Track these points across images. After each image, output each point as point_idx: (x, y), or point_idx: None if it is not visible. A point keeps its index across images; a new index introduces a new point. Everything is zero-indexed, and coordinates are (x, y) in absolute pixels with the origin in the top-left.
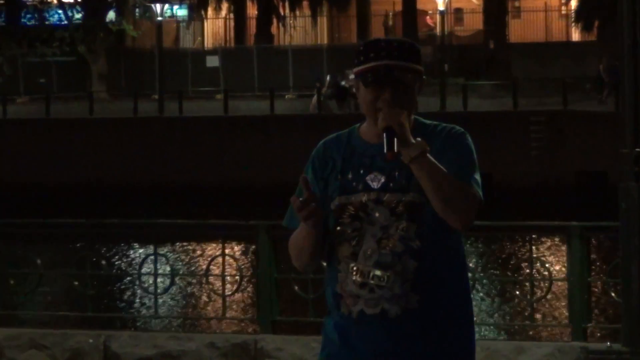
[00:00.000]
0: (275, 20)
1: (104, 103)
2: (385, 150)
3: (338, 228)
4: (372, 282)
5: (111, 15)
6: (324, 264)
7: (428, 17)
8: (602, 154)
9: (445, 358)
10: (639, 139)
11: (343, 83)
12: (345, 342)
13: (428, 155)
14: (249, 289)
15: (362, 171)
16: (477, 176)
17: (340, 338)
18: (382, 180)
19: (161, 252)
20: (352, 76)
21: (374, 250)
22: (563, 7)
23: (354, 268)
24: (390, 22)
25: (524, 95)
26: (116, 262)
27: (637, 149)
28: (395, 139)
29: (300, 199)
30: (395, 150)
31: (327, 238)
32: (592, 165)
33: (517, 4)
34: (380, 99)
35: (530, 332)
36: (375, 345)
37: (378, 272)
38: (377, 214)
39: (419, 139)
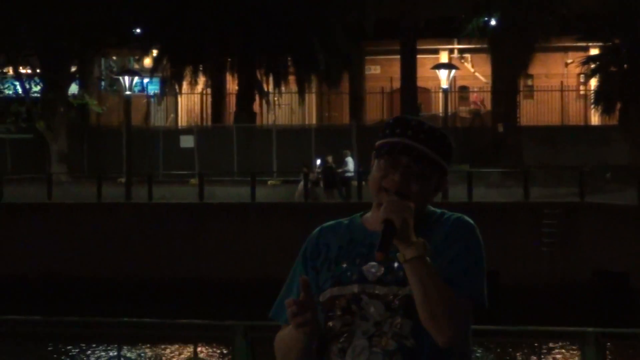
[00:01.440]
0: (257, 97)
1: (64, 186)
2: (376, 248)
3: (329, 323)
4: None
5: (73, 88)
6: None
7: (475, 95)
8: (623, 253)
9: None
10: None
11: (330, 163)
12: None
13: (427, 258)
14: None
15: (358, 261)
16: (482, 279)
17: None
18: (380, 271)
19: (126, 355)
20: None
21: (364, 348)
22: (581, 87)
23: None
24: (420, 103)
25: (536, 185)
26: None
27: None
28: (394, 235)
29: (296, 302)
30: (387, 252)
31: (318, 335)
32: (612, 264)
33: (529, 82)
34: (387, 179)
35: None
36: None
37: None
38: (372, 309)
39: (421, 239)
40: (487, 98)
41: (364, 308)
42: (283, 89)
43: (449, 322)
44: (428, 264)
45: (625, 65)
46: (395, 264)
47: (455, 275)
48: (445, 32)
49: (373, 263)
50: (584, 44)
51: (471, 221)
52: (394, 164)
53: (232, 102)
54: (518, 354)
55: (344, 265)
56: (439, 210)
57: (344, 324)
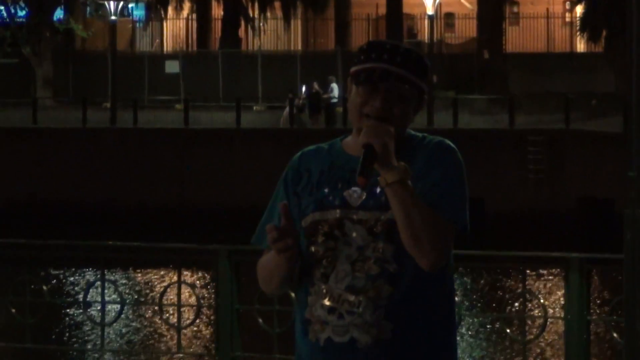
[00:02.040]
0: (243, 23)
1: (49, 111)
2: (357, 173)
3: (311, 248)
4: (342, 307)
5: (59, 13)
6: (293, 294)
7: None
8: (608, 179)
9: None
10: None
11: (316, 88)
12: None
13: (408, 182)
14: (207, 320)
15: (340, 185)
16: (465, 202)
17: None
18: (362, 196)
19: (110, 278)
20: (333, 84)
21: (347, 273)
22: (567, 14)
23: (324, 291)
24: (417, 28)
25: (521, 112)
26: (60, 289)
27: None
28: (374, 160)
29: (277, 228)
30: (369, 176)
31: (299, 260)
32: (597, 191)
33: (515, 9)
34: (368, 105)
35: None
36: None
37: (349, 297)
38: (354, 234)
39: (401, 163)
40: (473, 25)
41: (346, 233)
42: (268, 14)
43: (432, 246)
44: (410, 187)
45: None
46: (378, 189)
47: (437, 199)
48: None
49: (355, 188)
50: None
51: (452, 145)
52: (373, 90)
53: (217, 28)
54: (505, 280)
55: (326, 190)
56: (420, 134)
57: (327, 248)
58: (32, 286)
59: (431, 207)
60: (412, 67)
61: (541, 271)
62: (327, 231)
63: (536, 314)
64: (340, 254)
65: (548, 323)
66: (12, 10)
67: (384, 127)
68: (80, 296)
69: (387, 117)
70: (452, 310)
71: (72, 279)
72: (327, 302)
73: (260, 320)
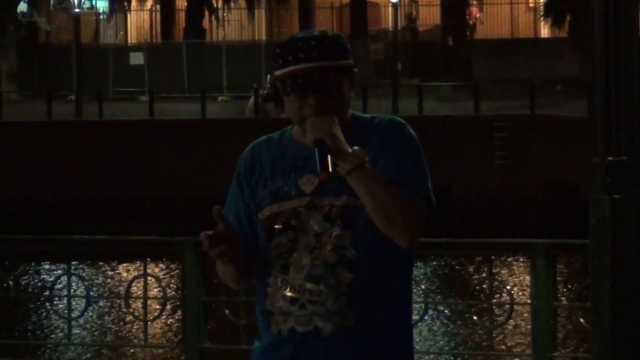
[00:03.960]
0: (207, 14)
1: (14, 104)
2: (318, 170)
3: (272, 241)
4: (303, 296)
5: (22, 6)
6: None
7: (475, 9)
8: (574, 165)
9: None
10: (611, 146)
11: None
12: None
13: (366, 165)
14: (174, 312)
15: (293, 175)
16: (426, 175)
17: None
18: (316, 183)
19: (75, 272)
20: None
21: (306, 262)
22: (531, 0)
23: (284, 281)
24: (414, 13)
25: (486, 98)
26: (25, 282)
27: (610, 158)
28: (328, 154)
29: (209, 234)
30: (330, 168)
31: (257, 252)
32: (563, 177)
33: None
34: (305, 107)
35: None
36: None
37: (310, 286)
38: (311, 221)
39: (355, 147)
40: (438, 11)
41: (303, 221)
42: (232, 4)
43: (407, 222)
44: (370, 169)
45: None
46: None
47: (400, 176)
48: None
49: (308, 175)
50: None
51: (402, 121)
52: (302, 92)
53: (181, 19)
54: (471, 267)
55: (280, 181)
56: (367, 115)
57: (288, 240)
58: None
59: (398, 180)
60: (330, 53)
61: (508, 258)
62: (285, 222)
63: (503, 301)
64: (299, 243)
65: (515, 309)
66: None
67: (326, 119)
68: (47, 291)
69: (325, 109)
70: (410, 293)
71: (38, 273)
72: (288, 293)
73: (227, 311)
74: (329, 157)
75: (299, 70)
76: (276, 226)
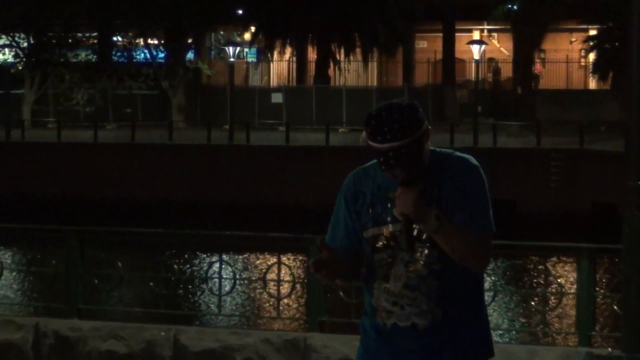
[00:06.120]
0: (332, 64)
1: (181, 131)
2: (405, 248)
3: (376, 255)
4: (402, 300)
5: (190, 55)
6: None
7: (538, 66)
8: (612, 188)
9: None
10: None
11: None
12: (381, 339)
13: (443, 223)
14: (300, 292)
15: (389, 205)
16: (489, 211)
17: (377, 335)
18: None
19: (225, 259)
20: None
21: (402, 274)
22: (582, 59)
23: (386, 289)
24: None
25: (546, 135)
26: (186, 267)
27: (639, 182)
28: (412, 223)
29: (313, 261)
30: (415, 244)
31: (364, 257)
32: (604, 197)
33: (542, 55)
34: (396, 176)
35: (543, 338)
36: (409, 345)
37: (407, 293)
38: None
39: (434, 210)
40: (509, 67)
41: (399, 242)
42: (351, 58)
43: (478, 259)
44: (447, 226)
45: (616, 43)
46: None
47: (471, 213)
48: (478, 16)
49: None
50: (585, 26)
51: (474, 161)
52: (392, 167)
53: (312, 68)
54: (530, 265)
55: (379, 209)
56: (445, 151)
57: (388, 256)
58: (167, 263)
59: (468, 219)
60: (409, 128)
61: (559, 258)
62: (384, 242)
63: (554, 291)
64: (396, 259)
65: (563, 297)
66: (154, 53)
67: (410, 194)
68: (203, 273)
69: (410, 178)
70: (482, 290)
71: (195, 260)
72: (390, 298)
73: (341, 293)
74: (412, 228)
75: (387, 149)
76: (377, 245)
